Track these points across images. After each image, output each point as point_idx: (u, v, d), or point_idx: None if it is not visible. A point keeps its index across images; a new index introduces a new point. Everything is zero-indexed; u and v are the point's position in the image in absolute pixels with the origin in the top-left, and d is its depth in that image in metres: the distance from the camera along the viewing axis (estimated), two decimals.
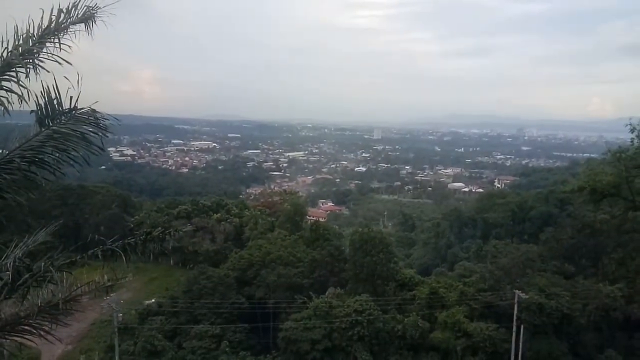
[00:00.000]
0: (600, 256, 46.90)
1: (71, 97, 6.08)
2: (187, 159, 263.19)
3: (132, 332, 41.20)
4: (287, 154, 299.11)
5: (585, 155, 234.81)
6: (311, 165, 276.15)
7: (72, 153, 6.22)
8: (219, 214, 66.23)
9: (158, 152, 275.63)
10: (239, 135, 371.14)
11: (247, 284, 49.17)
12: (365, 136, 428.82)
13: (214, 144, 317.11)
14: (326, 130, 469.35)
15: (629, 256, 39.15)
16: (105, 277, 7.21)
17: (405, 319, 43.83)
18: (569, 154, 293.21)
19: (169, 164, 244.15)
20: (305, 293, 47.00)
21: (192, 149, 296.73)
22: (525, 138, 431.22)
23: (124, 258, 6.83)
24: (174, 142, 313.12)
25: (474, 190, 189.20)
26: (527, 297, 39.63)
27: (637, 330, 41.69)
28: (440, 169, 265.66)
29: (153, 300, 47.05)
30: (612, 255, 44.11)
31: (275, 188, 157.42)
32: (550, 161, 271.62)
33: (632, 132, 18.91)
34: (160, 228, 7.44)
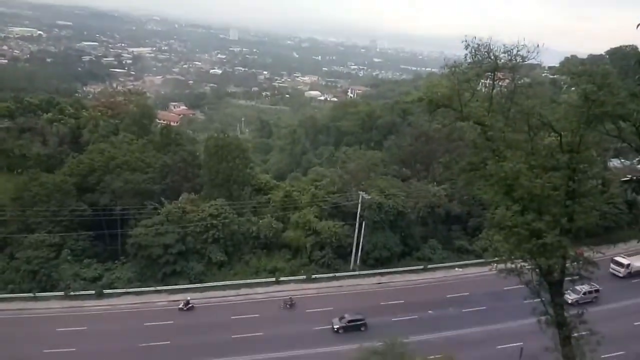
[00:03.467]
0: (432, 161, 53.46)
1: None
2: (5, 47, 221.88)
3: None
4: (131, 49, 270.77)
5: (428, 69, 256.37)
6: (160, 64, 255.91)
7: None
8: (50, 114, 58.65)
9: None
10: (70, 24, 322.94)
11: (89, 191, 46.61)
12: (221, 36, 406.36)
13: (39, 32, 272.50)
14: (176, 25, 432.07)
15: (454, 161, 44.80)
16: None
17: (260, 221, 45.92)
18: (414, 68, 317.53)
19: None
20: (157, 199, 45.94)
21: (12, 36, 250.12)
22: (378, 50, 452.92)
23: None
24: None
25: (329, 99, 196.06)
26: (369, 197, 43.99)
27: (455, 223, 49.76)
28: (297, 76, 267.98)
29: None
30: (441, 160, 50.34)
31: (119, 87, 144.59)
32: (398, 73, 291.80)
33: (466, 49, 20.62)
34: None
